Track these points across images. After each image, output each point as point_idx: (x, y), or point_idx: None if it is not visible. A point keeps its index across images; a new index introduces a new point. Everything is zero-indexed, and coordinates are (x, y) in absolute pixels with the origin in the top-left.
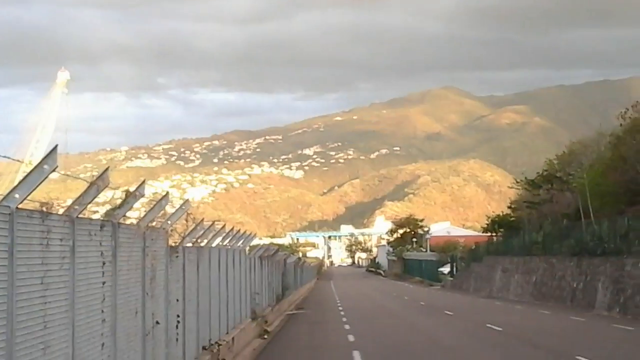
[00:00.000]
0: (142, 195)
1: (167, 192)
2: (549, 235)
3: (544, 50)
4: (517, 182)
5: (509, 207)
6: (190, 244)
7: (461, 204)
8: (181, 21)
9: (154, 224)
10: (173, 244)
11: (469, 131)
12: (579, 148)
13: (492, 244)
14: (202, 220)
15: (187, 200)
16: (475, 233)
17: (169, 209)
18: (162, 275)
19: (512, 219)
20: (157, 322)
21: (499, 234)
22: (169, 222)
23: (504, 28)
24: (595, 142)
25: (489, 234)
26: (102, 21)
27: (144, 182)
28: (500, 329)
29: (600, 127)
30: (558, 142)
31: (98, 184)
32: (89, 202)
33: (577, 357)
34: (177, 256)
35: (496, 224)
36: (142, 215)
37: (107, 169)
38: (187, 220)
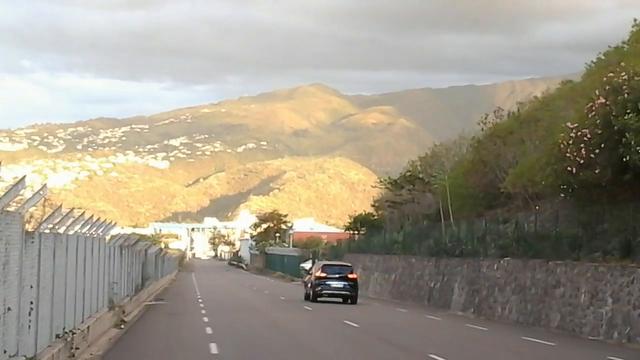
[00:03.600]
0: None
1: (24, 176)
2: (409, 235)
3: (412, 53)
4: (381, 181)
5: (373, 206)
6: (47, 230)
7: (325, 201)
8: (49, 3)
9: (11, 209)
10: (30, 229)
11: (336, 129)
12: (441, 150)
13: (353, 241)
14: (61, 206)
15: (44, 185)
16: (338, 230)
17: (28, 194)
18: (16, 260)
19: (375, 217)
20: (9, 309)
21: (361, 232)
22: (26, 206)
23: (373, 28)
24: (458, 145)
25: (351, 231)
26: None
27: None
28: (357, 325)
29: (463, 131)
30: (422, 143)
31: None
32: None
33: (430, 355)
34: (32, 242)
35: (359, 222)
36: None
37: None
38: (44, 206)
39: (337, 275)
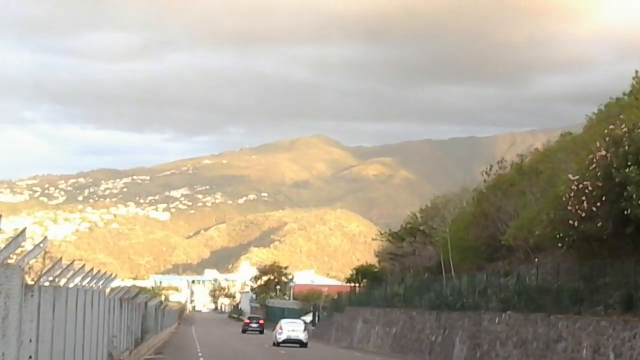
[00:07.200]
0: None
1: (25, 228)
2: (410, 288)
3: (412, 104)
4: (381, 233)
5: (376, 256)
6: (47, 283)
7: (326, 253)
8: (51, 55)
9: (11, 261)
10: (31, 282)
11: (337, 181)
12: (442, 202)
13: (354, 294)
14: (61, 258)
15: (45, 238)
16: (339, 283)
17: (29, 246)
18: (15, 314)
19: (376, 270)
20: None
21: (362, 284)
22: (26, 259)
23: (373, 80)
24: (459, 197)
25: (352, 284)
26: None
27: (0, 216)
28: None
29: (464, 182)
30: (423, 195)
31: None
32: None
33: None
34: (32, 295)
35: (360, 273)
36: None
37: None
38: (44, 259)
39: (254, 322)
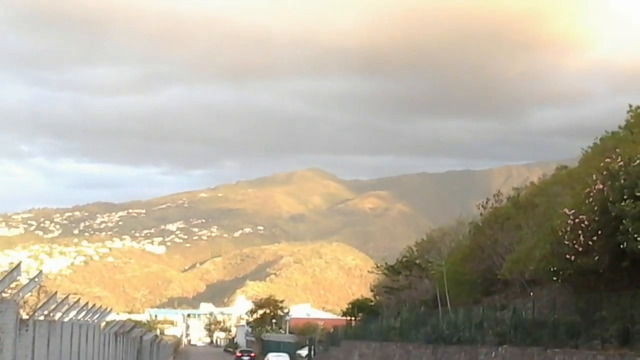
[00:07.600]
0: None
1: (20, 262)
2: (406, 322)
3: (408, 138)
4: (377, 267)
5: (372, 291)
6: (42, 317)
7: (322, 286)
8: (47, 89)
9: (6, 295)
10: (26, 316)
11: (333, 214)
12: (438, 236)
13: (350, 328)
14: (56, 293)
15: (40, 272)
16: (335, 316)
17: (24, 280)
18: (10, 348)
19: (372, 303)
20: None
21: (358, 318)
22: (20, 293)
23: (370, 114)
24: (455, 230)
25: (348, 317)
26: None
27: None
28: None
29: (460, 216)
30: (419, 228)
31: None
32: None
33: None
34: (27, 330)
35: (356, 307)
36: None
37: None
38: (39, 293)
39: (246, 355)
